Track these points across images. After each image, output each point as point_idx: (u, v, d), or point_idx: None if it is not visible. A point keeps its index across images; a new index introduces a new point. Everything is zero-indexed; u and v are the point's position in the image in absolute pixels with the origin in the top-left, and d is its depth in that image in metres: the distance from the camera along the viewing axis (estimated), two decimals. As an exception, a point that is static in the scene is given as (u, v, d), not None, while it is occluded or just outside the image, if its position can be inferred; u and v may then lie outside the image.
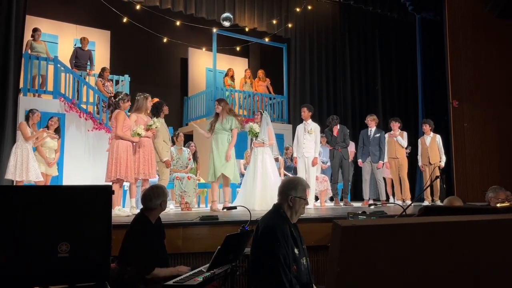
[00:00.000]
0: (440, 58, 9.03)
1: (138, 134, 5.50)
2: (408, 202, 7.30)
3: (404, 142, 7.85)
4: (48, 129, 6.86)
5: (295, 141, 7.40)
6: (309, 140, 7.22)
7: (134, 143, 5.58)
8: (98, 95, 8.72)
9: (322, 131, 8.77)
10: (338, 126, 7.95)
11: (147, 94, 5.93)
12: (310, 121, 7.36)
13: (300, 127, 7.40)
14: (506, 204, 3.92)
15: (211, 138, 6.44)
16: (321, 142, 8.95)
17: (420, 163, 8.07)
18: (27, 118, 6.65)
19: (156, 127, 5.79)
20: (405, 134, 7.94)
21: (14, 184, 6.32)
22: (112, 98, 6.05)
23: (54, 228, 1.91)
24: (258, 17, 10.81)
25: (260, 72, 11.14)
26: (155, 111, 6.10)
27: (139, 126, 5.55)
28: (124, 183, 5.80)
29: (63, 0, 10.31)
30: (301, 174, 7.02)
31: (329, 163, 8.40)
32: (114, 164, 5.36)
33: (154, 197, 3.22)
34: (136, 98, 5.91)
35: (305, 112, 7.34)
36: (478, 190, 7.39)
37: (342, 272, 1.02)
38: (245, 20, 10.65)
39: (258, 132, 6.87)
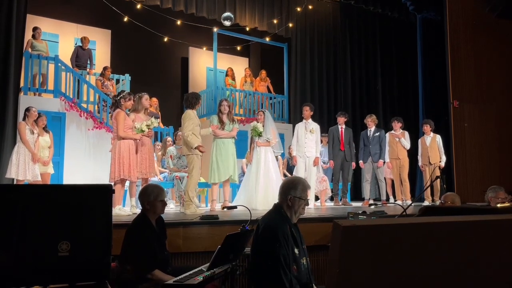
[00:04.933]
0: (441, 58, 9.03)
1: (142, 131, 5.51)
2: (408, 202, 7.30)
3: (407, 144, 7.84)
4: (37, 126, 6.82)
5: (295, 140, 7.37)
6: (311, 140, 7.22)
7: (138, 140, 5.58)
8: (98, 94, 8.72)
9: (324, 131, 8.78)
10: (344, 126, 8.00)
11: (143, 93, 5.91)
12: (310, 120, 7.35)
13: (300, 126, 7.37)
14: (506, 204, 3.92)
15: (212, 138, 6.43)
16: (321, 142, 8.98)
17: (420, 163, 8.07)
18: (24, 117, 6.64)
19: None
20: (406, 134, 7.93)
21: (15, 183, 6.33)
22: (115, 97, 6.05)
23: (55, 227, 1.91)
24: (259, 17, 10.81)
25: (263, 72, 11.14)
26: (189, 103, 5.91)
27: (143, 122, 5.55)
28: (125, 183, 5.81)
29: (63, -1, 10.33)
30: (300, 173, 7.01)
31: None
32: (117, 164, 5.37)
33: (140, 197, 3.27)
34: (135, 99, 5.92)
35: (307, 111, 7.33)
36: (478, 190, 7.38)
37: (342, 272, 1.02)
38: (245, 19, 10.65)
39: (262, 132, 6.86)
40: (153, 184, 3.59)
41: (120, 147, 5.41)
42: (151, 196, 3.20)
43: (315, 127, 7.32)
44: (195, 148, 5.68)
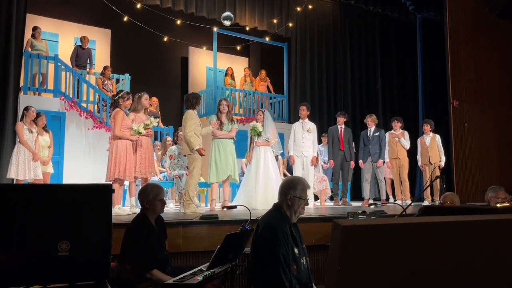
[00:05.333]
0: (441, 58, 9.04)
1: (139, 133, 5.51)
2: (408, 202, 7.30)
3: (407, 144, 7.83)
4: (36, 126, 6.82)
5: (291, 139, 7.30)
6: (308, 140, 7.22)
7: (134, 142, 5.58)
8: (98, 93, 8.71)
9: (324, 131, 8.75)
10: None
11: (142, 93, 5.92)
12: (307, 120, 7.36)
13: (297, 126, 7.35)
14: (506, 204, 3.92)
15: (212, 138, 6.44)
16: (321, 142, 8.96)
17: (419, 163, 8.06)
18: (22, 117, 6.64)
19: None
20: (406, 133, 7.92)
21: (15, 183, 6.33)
22: (114, 96, 6.05)
23: (54, 227, 1.91)
24: (259, 16, 10.81)
25: (262, 72, 11.14)
26: (191, 104, 5.96)
27: (140, 124, 5.56)
28: (125, 182, 5.81)
29: (63, -2, 10.32)
30: (298, 173, 6.99)
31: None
32: (114, 163, 5.37)
33: (139, 196, 3.28)
34: (134, 98, 5.92)
35: (305, 111, 7.34)
36: (478, 190, 7.39)
37: (342, 272, 1.02)
38: (245, 19, 10.65)
39: (261, 131, 6.86)
40: (152, 183, 3.59)
41: (117, 147, 5.41)
42: (151, 195, 3.20)
43: (312, 126, 7.33)
44: (195, 150, 5.71)
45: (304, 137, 7.20)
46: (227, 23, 9.67)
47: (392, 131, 7.93)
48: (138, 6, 9.65)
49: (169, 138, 8.28)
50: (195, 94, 6.26)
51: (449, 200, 3.94)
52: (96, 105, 8.74)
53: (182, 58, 12.06)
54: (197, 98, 6.09)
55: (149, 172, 5.71)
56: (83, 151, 8.29)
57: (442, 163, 7.83)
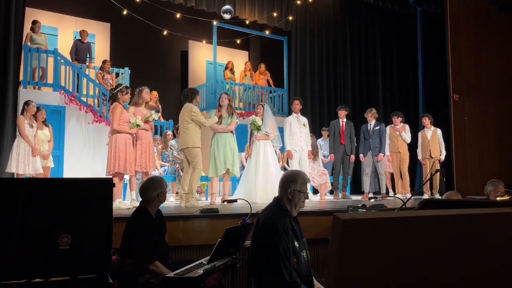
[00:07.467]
0: (441, 51, 9.01)
1: (137, 125, 5.51)
2: (408, 195, 7.31)
3: (408, 138, 7.83)
4: (36, 120, 6.81)
5: (287, 133, 7.21)
6: (304, 134, 7.24)
7: (133, 135, 5.58)
8: (98, 88, 8.69)
9: (324, 125, 8.75)
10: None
11: (143, 87, 5.92)
12: (300, 114, 7.36)
13: (292, 120, 7.29)
14: (506, 197, 3.93)
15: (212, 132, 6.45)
16: (322, 136, 8.94)
17: (420, 156, 8.05)
18: (23, 111, 6.63)
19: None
20: (407, 127, 7.91)
21: (15, 177, 6.34)
22: (112, 90, 6.05)
23: (56, 221, 1.92)
24: (259, 10, 10.76)
25: (262, 66, 11.11)
26: (186, 98, 6.06)
27: (138, 117, 5.55)
28: (125, 176, 5.82)
29: (62, -8, 10.27)
30: (294, 167, 6.99)
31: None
32: (113, 157, 5.37)
33: (149, 188, 3.25)
34: (135, 92, 5.92)
35: (298, 105, 7.34)
36: (478, 183, 7.40)
37: (342, 265, 1.03)
38: (245, 12, 10.60)
39: (261, 125, 6.85)
40: (158, 176, 3.64)
41: (116, 141, 5.41)
42: (164, 187, 3.29)
43: (305, 121, 7.34)
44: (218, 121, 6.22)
45: (301, 131, 7.20)
46: (227, 16, 9.63)
47: (393, 125, 7.93)
48: (138, -1, 9.62)
49: (169, 132, 8.27)
50: (192, 89, 6.30)
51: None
52: (96, 99, 8.73)
53: (181, 52, 12.02)
54: (194, 93, 6.13)
55: (149, 166, 5.72)
56: (83, 145, 8.29)
57: (443, 157, 7.83)
